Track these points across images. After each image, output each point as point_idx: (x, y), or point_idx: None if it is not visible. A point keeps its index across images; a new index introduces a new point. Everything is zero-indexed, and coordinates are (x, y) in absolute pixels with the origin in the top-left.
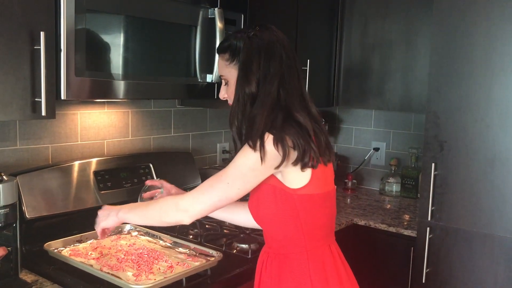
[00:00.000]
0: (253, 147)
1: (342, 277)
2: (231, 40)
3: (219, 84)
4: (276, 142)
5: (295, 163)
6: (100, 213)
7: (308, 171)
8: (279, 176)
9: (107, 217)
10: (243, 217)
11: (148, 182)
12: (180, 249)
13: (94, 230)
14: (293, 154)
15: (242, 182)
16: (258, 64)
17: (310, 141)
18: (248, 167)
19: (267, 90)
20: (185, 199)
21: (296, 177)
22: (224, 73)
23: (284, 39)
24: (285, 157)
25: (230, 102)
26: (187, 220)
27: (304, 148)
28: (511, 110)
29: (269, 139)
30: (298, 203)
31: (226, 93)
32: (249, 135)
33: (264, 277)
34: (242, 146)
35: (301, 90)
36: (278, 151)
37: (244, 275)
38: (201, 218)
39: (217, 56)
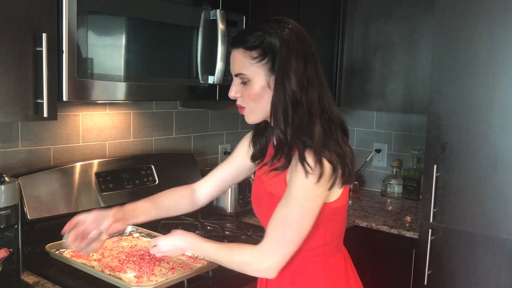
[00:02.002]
0: (317, 178)
1: (351, 283)
2: (264, 36)
3: (220, 86)
4: (333, 165)
5: (342, 181)
6: (165, 248)
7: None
8: None
9: (173, 250)
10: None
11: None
12: None
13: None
14: (341, 173)
15: (310, 215)
16: (296, 66)
17: (353, 155)
18: (311, 199)
19: (310, 97)
20: (264, 259)
21: (332, 193)
22: (247, 71)
23: (307, 35)
24: (336, 179)
25: (245, 101)
26: (273, 276)
27: (353, 165)
28: None
29: (326, 164)
30: (324, 216)
31: (240, 92)
32: (305, 154)
33: (272, 282)
34: (284, 157)
35: (330, 93)
36: (333, 174)
37: (246, 277)
38: (203, 219)
39: (219, 54)
